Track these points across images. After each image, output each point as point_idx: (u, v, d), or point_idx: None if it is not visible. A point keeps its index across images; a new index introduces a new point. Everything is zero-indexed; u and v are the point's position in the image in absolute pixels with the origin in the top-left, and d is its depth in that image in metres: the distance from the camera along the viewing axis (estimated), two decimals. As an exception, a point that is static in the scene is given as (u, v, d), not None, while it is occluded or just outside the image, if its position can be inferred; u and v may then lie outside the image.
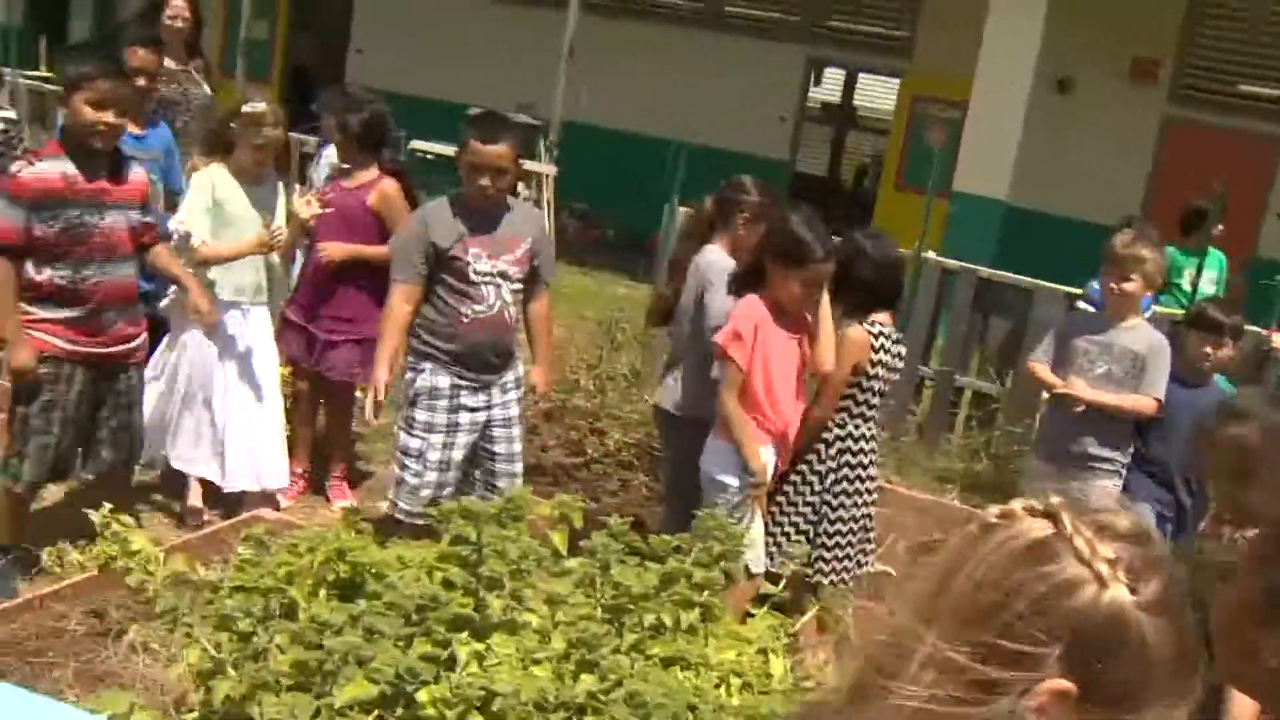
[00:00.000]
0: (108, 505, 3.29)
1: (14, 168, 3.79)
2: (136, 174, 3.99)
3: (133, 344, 4.03)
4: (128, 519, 3.31)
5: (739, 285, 3.89)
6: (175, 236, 4.38)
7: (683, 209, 7.12)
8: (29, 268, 3.76)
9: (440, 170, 8.10)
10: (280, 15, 15.66)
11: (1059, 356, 4.49)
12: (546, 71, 11.23)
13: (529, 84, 12.06)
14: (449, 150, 8.13)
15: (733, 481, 3.79)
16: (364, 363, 4.91)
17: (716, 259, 4.13)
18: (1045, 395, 4.73)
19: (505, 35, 13.52)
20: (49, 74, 10.16)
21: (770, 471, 3.85)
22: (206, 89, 6.34)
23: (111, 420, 4.03)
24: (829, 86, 17.22)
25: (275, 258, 4.67)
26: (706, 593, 2.92)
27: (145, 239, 4.02)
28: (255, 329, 4.59)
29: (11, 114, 6.76)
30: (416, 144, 10.74)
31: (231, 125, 4.46)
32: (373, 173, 4.85)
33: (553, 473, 5.38)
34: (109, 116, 3.75)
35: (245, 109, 4.41)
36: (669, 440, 4.42)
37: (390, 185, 4.82)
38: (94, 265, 3.81)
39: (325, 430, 5.12)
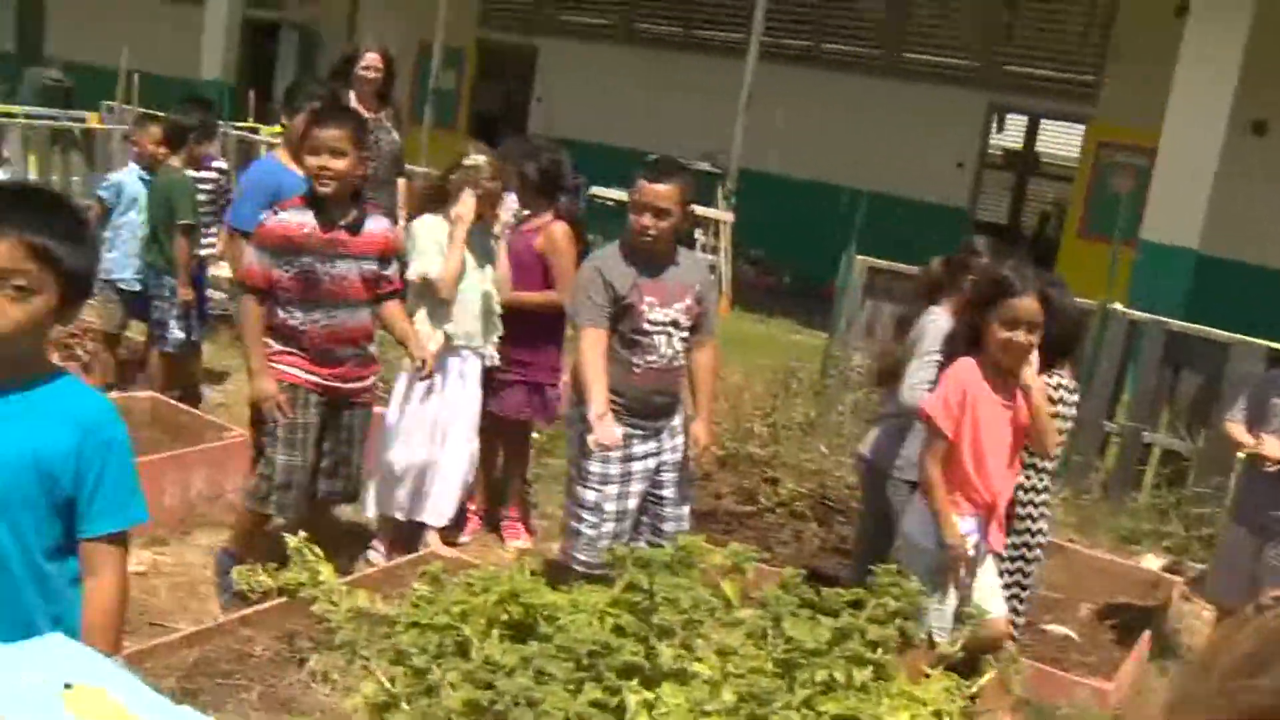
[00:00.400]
0: (302, 533, 3.41)
1: (262, 216, 4.03)
2: (377, 228, 4.12)
3: (362, 383, 4.19)
4: (317, 549, 3.42)
5: (953, 347, 3.77)
6: (417, 280, 4.52)
7: (859, 258, 7.04)
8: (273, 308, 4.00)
9: (620, 217, 8.20)
10: (467, 66, 16.20)
11: (1255, 414, 4.26)
12: (725, 119, 11.30)
13: (708, 131, 12.16)
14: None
15: (931, 547, 3.66)
16: (535, 404, 5.00)
17: (936, 321, 4.01)
18: (1240, 455, 4.49)
19: (685, 83, 13.67)
20: (256, 125, 10.75)
21: (974, 543, 3.68)
22: (396, 136, 6.60)
23: (335, 453, 4.19)
24: (1011, 132, 16.84)
25: (496, 305, 4.74)
26: (881, 650, 2.84)
27: (381, 289, 4.15)
28: (471, 374, 4.69)
29: (223, 164, 7.18)
30: (596, 191, 10.93)
31: (451, 177, 4.58)
32: (545, 217, 4.95)
33: (725, 520, 5.35)
34: (328, 161, 3.92)
35: (465, 162, 4.54)
36: (868, 491, 4.34)
37: (558, 229, 4.90)
38: (322, 309, 3.99)
39: (501, 471, 5.22)
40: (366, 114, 6.41)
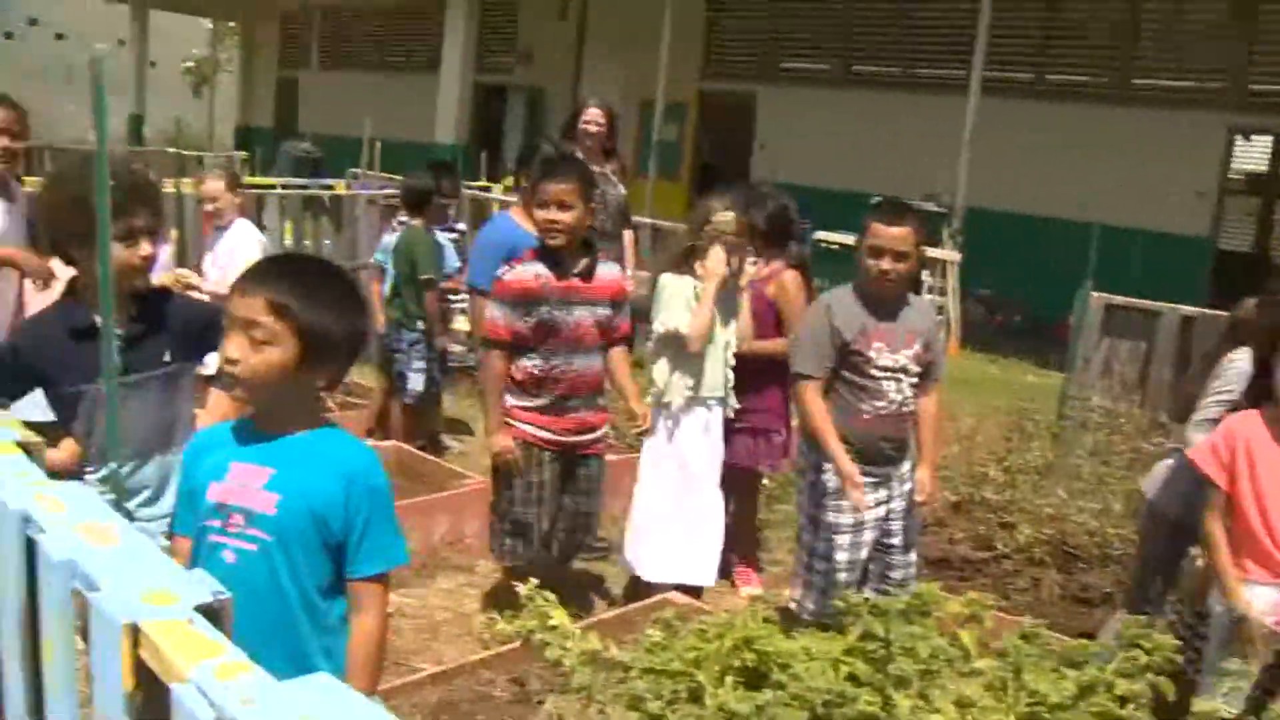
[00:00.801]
0: (534, 580, 3.51)
1: (499, 271, 4.20)
2: (609, 273, 4.25)
3: (594, 433, 4.29)
4: (550, 595, 3.51)
5: (1253, 396, 3.53)
6: (661, 332, 4.57)
7: (1095, 294, 6.77)
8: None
9: (844, 261, 8.15)
10: (689, 118, 16.47)
11: None
12: (947, 157, 11.11)
13: (929, 170, 11.97)
14: (852, 240, 8.20)
15: (1220, 609, 3.40)
16: (763, 450, 4.99)
17: (1237, 363, 3.81)
18: None
19: (904, 122, 13.52)
20: (488, 184, 11.22)
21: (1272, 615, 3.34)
22: (622, 189, 6.76)
23: (572, 505, 4.31)
24: (1254, 155, 15.91)
25: (731, 357, 4.76)
26: (1131, 706, 2.71)
27: (613, 335, 4.27)
28: (715, 425, 4.71)
29: (462, 226, 7.55)
30: (820, 235, 10.90)
31: (700, 234, 4.59)
32: (776, 265, 4.96)
33: (959, 567, 5.21)
34: (556, 215, 4.05)
35: (715, 219, 4.55)
36: (1145, 532, 4.18)
37: (789, 277, 4.91)
38: (561, 355, 4.12)
39: (731, 517, 5.23)
40: (593, 168, 6.63)
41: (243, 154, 19.00)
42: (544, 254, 4.13)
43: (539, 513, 4.21)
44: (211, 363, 3.16)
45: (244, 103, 26.22)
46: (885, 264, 3.89)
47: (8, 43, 32.04)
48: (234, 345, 2.17)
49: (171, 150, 18.49)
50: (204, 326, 2.99)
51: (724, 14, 16.41)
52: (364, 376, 6.95)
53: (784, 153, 14.74)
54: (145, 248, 2.90)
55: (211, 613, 1.62)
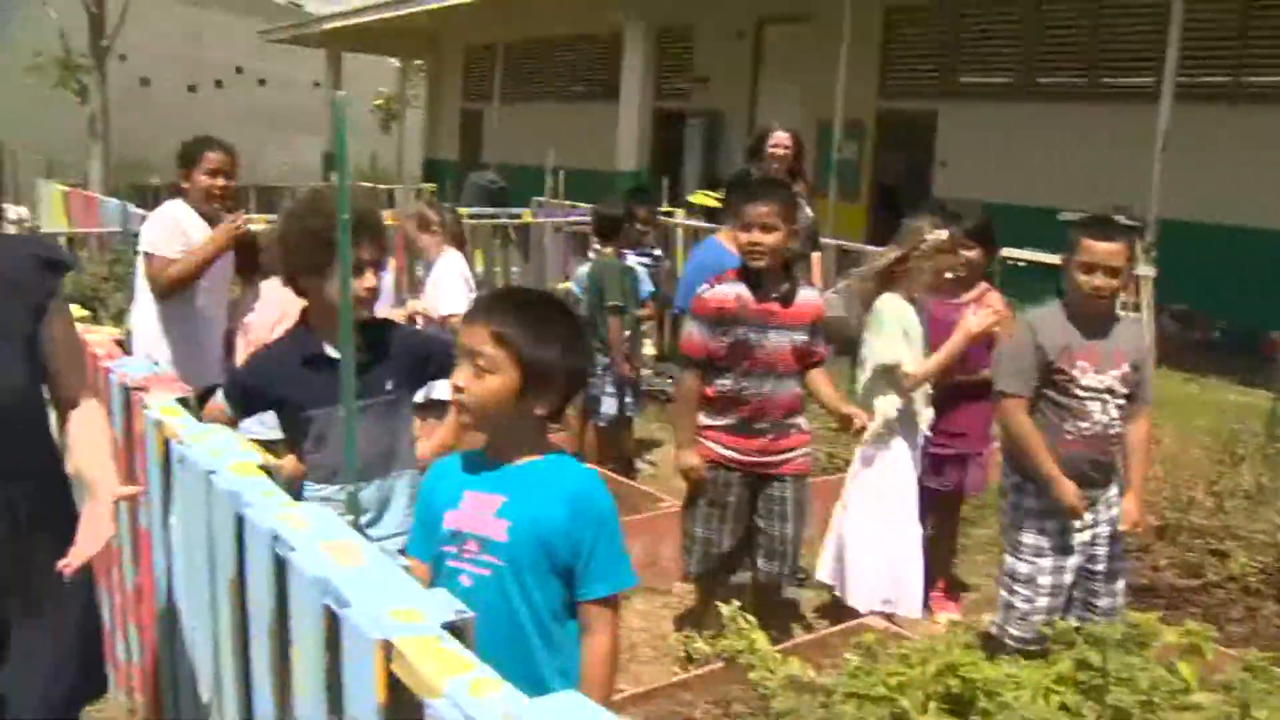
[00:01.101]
0: (735, 603, 3.54)
1: (700, 289, 4.28)
2: (808, 298, 4.25)
3: (786, 455, 4.25)
4: (750, 617, 3.54)
5: None
6: (875, 366, 4.54)
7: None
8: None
9: (1031, 277, 7.98)
10: (867, 136, 16.32)
11: None
12: (1138, 168, 10.73)
13: (1117, 183, 11.57)
14: (1040, 257, 8.01)
15: None
16: (964, 475, 4.92)
17: None
18: None
19: (1091, 134, 13.11)
20: (670, 210, 11.37)
21: None
22: (809, 212, 6.79)
23: (765, 529, 4.30)
24: None
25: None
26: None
27: (810, 360, 4.26)
28: (915, 450, 4.67)
29: (658, 252, 7.70)
30: (1008, 252, 10.65)
31: (913, 254, 4.54)
32: (983, 286, 4.91)
33: (1166, 595, 5.01)
34: (759, 237, 4.10)
35: (929, 238, 4.51)
36: None
37: (994, 298, 4.84)
38: (753, 378, 4.15)
39: (929, 541, 5.17)
40: (782, 191, 6.69)
41: (430, 185, 19.70)
42: (745, 275, 4.17)
43: (722, 530, 4.24)
44: (441, 390, 3.33)
45: (429, 136, 27.17)
46: (1098, 280, 3.81)
47: (217, 90, 34.00)
48: (461, 374, 2.31)
49: (366, 184, 19.34)
50: (424, 358, 3.16)
51: (901, 30, 16.22)
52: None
53: (966, 169, 14.47)
54: (370, 279, 3.08)
55: (456, 631, 1.72)
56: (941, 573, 5.08)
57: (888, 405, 4.52)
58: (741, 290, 4.14)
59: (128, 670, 3.56)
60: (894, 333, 4.50)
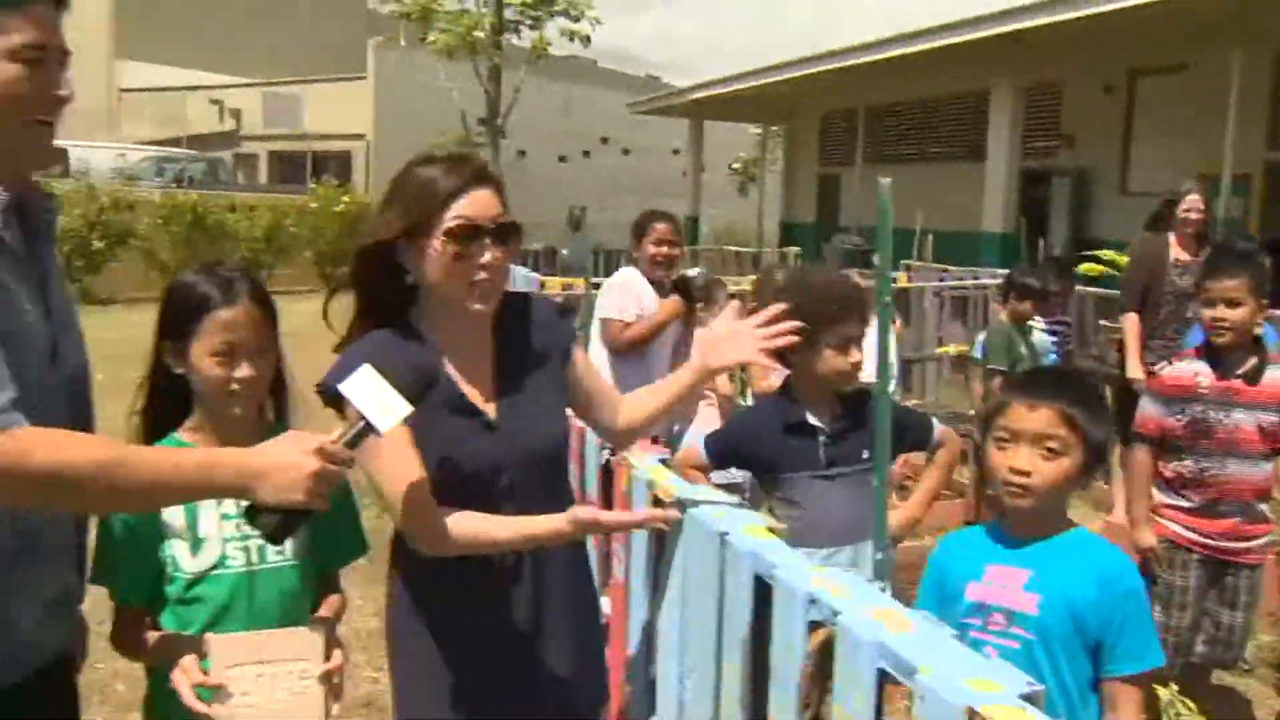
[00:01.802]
0: (1173, 686, 3.40)
1: (1157, 367, 4.23)
2: (1275, 377, 3.98)
3: (1250, 542, 4.04)
4: (1190, 703, 3.37)
5: None
6: None
7: None
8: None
9: None
10: (1254, 190, 15.32)
11: None
12: None
13: None
14: None
15: None
16: None
17: None
18: None
19: None
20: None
21: None
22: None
23: (1217, 614, 4.09)
24: None
25: None
26: None
27: (1278, 444, 4.00)
28: None
29: (1069, 319, 7.57)
30: None
31: None
32: None
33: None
34: (1224, 313, 3.93)
35: None
36: None
37: None
38: (1215, 459, 3.98)
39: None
40: (1186, 256, 6.47)
41: (795, 249, 20.04)
42: (1208, 352, 4.04)
43: (1179, 617, 4.06)
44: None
45: (787, 199, 27.65)
46: None
47: (584, 160, 36.15)
48: (1025, 457, 2.40)
49: (730, 248, 19.94)
50: (903, 429, 3.26)
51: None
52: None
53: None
54: (856, 354, 3.24)
55: (1031, 701, 1.78)
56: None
57: None
58: (1202, 368, 4.00)
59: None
60: None
